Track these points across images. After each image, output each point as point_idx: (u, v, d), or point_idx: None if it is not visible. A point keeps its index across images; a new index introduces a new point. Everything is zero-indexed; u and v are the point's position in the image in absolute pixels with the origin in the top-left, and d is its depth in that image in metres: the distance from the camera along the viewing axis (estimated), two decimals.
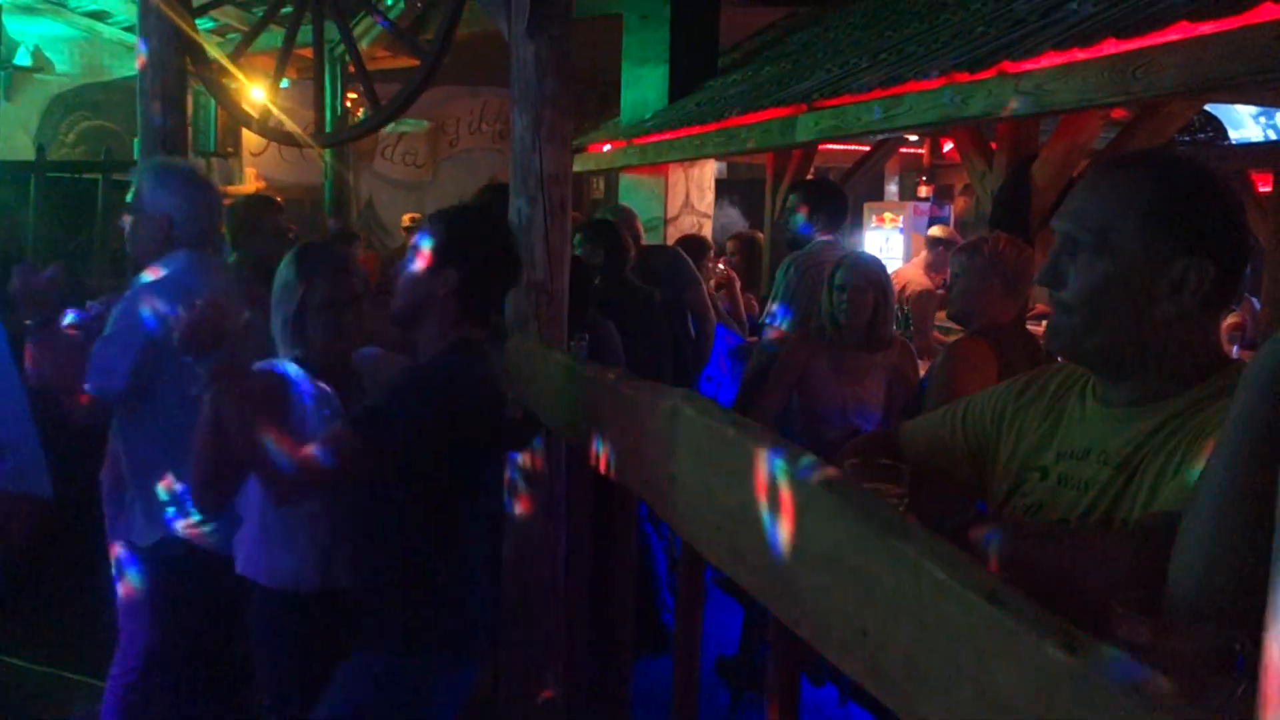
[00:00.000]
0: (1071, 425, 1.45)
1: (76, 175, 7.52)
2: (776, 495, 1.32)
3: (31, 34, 11.10)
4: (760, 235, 7.04)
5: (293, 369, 2.35)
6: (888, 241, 8.88)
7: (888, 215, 9.17)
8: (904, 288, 5.73)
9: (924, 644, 0.99)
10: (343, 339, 2.41)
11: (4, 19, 10.35)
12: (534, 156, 2.89)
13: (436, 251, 2.20)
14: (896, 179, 12.45)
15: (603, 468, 2.11)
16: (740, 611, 4.01)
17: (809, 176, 6.87)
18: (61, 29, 11.08)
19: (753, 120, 5.38)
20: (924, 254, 6.26)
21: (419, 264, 2.21)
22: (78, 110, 11.56)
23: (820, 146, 6.57)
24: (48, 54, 11.35)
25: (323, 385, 2.36)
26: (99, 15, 10.60)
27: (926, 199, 10.24)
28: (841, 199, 4.51)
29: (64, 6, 10.12)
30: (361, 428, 2.03)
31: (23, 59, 11.11)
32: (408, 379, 2.20)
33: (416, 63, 4.62)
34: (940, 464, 1.64)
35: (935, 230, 6.59)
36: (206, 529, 2.64)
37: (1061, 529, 1.35)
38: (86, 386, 2.61)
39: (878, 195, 11.53)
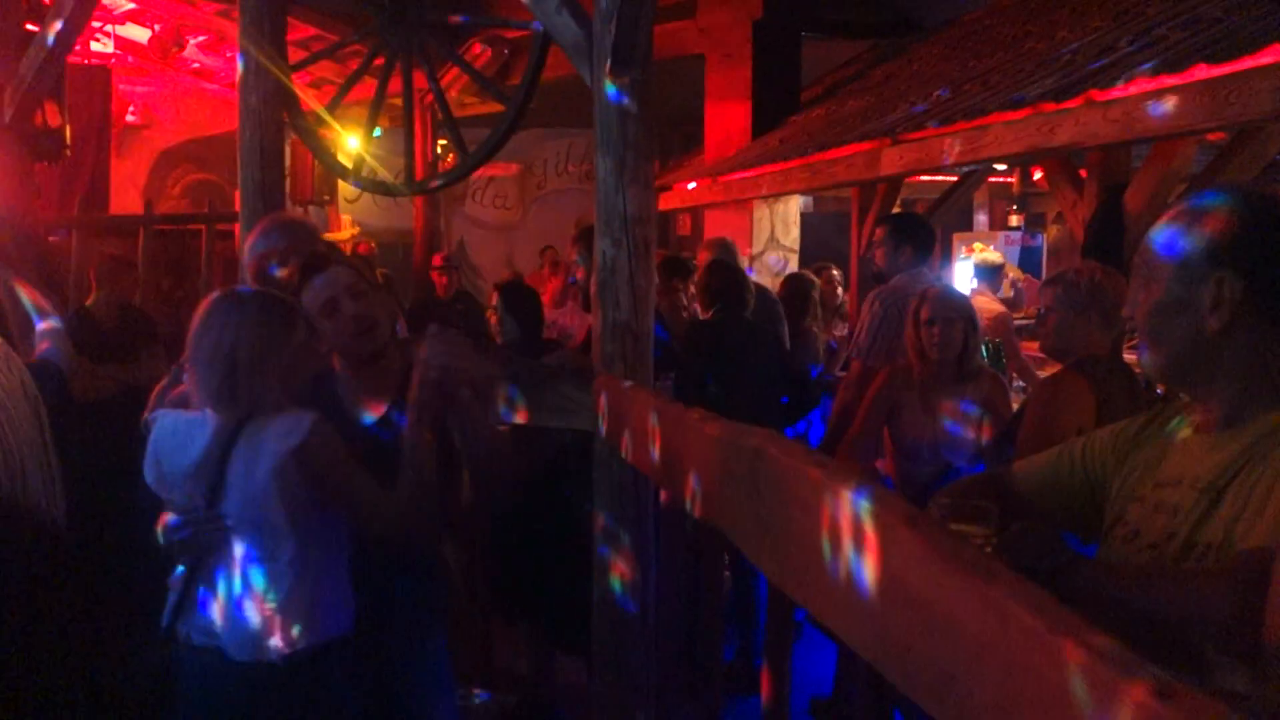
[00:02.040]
0: (1172, 454, 1.48)
1: (182, 227, 7.81)
2: (861, 536, 1.31)
3: (140, 94, 11.63)
4: (809, 274, 6.94)
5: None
6: (973, 271, 8.75)
7: (977, 245, 9.05)
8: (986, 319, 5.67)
9: (1012, 690, 0.97)
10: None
11: (116, 81, 10.85)
12: (618, 199, 2.92)
13: None
14: (986, 208, 12.27)
15: (692, 508, 2.11)
16: (834, 649, 3.96)
17: (895, 209, 6.82)
18: (168, 87, 11.60)
19: (836, 155, 5.37)
20: (980, 283, 6.31)
21: None
22: (182, 164, 12.03)
23: (907, 178, 6.53)
24: (155, 112, 11.87)
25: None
26: (202, 73, 11.06)
27: (1018, 228, 10.09)
28: (927, 232, 4.47)
29: (170, 66, 10.57)
30: None
31: (132, 117, 11.64)
32: None
33: (502, 109, 4.72)
34: (1054, 503, 1.64)
35: (989, 256, 6.63)
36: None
37: (1157, 570, 1.33)
38: None
39: (967, 226, 11.38)
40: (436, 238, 10.30)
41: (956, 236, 9.43)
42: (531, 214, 13.91)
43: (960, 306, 3.56)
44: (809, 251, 8.29)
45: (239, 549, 2.21)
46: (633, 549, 2.87)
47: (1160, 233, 1.40)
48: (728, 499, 1.86)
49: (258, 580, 2.22)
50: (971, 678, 1.05)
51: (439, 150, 10.01)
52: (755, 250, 7.91)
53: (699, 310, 4.66)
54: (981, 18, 6.87)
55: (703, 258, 5.42)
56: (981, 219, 12.24)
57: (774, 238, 7.97)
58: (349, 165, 5.84)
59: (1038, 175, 9.06)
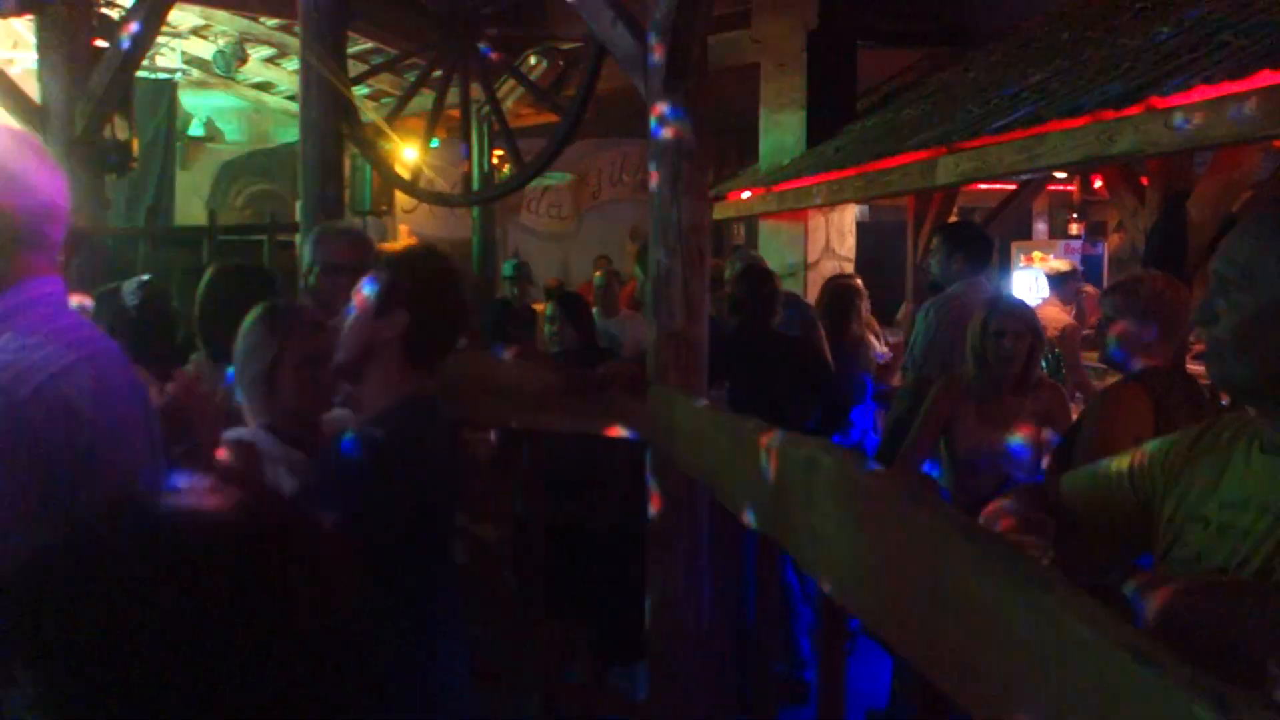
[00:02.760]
0: (1236, 474, 1.43)
1: (245, 237, 7.97)
2: (916, 546, 1.31)
3: (204, 106, 11.89)
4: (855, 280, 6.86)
5: (263, 437, 2.22)
6: (1037, 281, 8.63)
7: (1037, 254, 8.94)
8: (1045, 327, 5.57)
9: (1068, 701, 0.97)
10: (319, 399, 2.31)
11: (180, 94, 11.11)
12: (672, 209, 2.94)
13: (382, 294, 2.03)
14: (1045, 216, 12.11)
15: (744, 516, 2.12)
16: (889, 662, 3.93)
17: (952, 217, 6.77)
18: (231, 101, 11.84)
19: (892, 164, 5.35)
20: (1051, 293, 6.18)
21: (362, 308, 2.05)
22: (245, 176, 12.26)
23: (964, 187, 6.48)
24: (219, 124, 12.12)
25: (295, 452, 2.22)
26: (264, 86, 11.28)
27: (1078, 236, 9.95)
28: (984, 241, 4.43)
29: (233, 80, 10.79)
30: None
31: (196, 130, 11.89)
32: (363, 454, 1.93)
33: (557, 119, 4.77)
34: (1102, 516, 1.61)
35: (1057, 264, 6.48)
36: None
37: (1219, 584, 1.30)
38: None
39: (1025, 234, 11.24)
40: (492, 247, 10.40)
41: (1015, 245, 9.31)
42: (586, 224, 13.97)
43: (1028, 318, 3.52)
44: (865, 261, 8.24)
45: None
46: (686, 558, 2.88)
47: (1256, 245, 1.34)
48: (781, 508, 1.86)
49: None
50: (1027, 689, 1.04)
51: (495, 161, 10.11)
52: (811, 260, 7.89)
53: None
54: (1039, 25, 6.80)
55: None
56: (1041, 227, 12.08)
57: (829, 247, 7.94)
58: (407, 176, 5.93)
59: (1098, 183, 8.94)
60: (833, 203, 7.02)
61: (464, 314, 2.16)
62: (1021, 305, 3.64)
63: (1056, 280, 6.17)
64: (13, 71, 6.04)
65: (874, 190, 5.71)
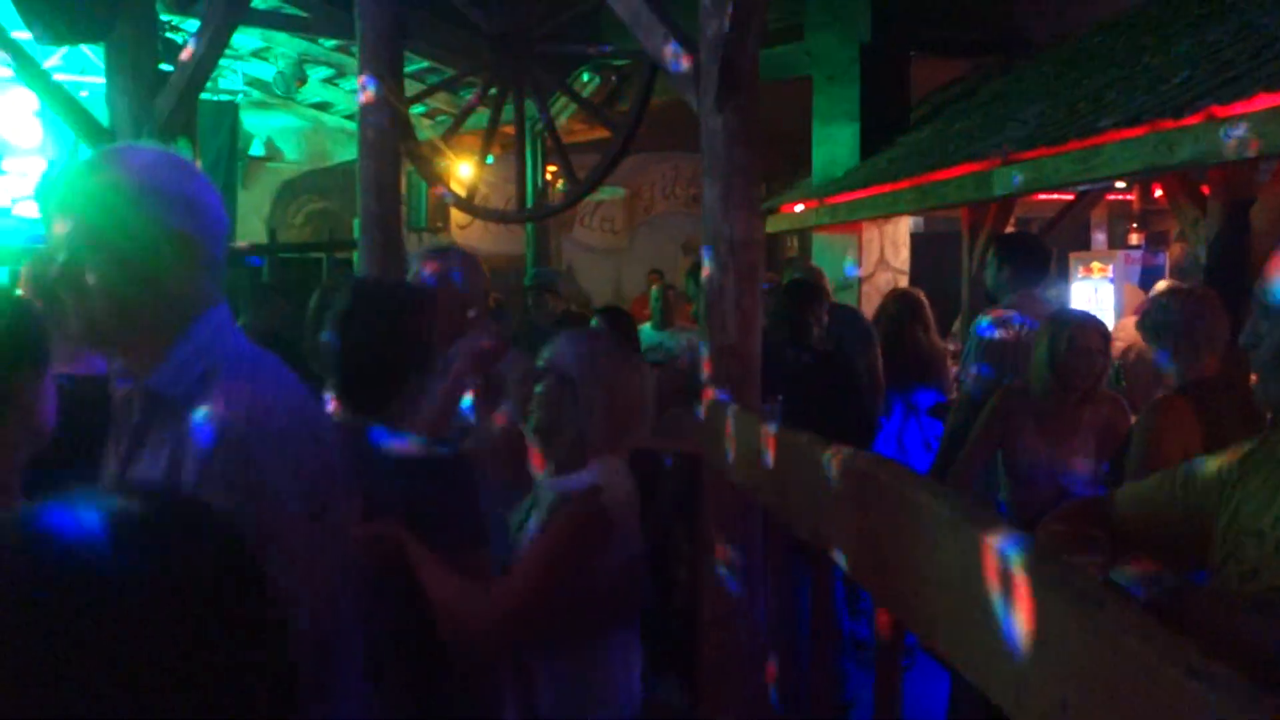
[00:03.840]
0: None
1: (304, 255, 8.11)
2: (969, 561, 1.31)
3: (264, 126, 12.14)
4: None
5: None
6: (1096, 293, 8.50)
7: (1096, 265, 8.80)
8: (1128, 349, 5.43)
9: (1123, 717, 0.96)
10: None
11: (242, 115, 11.34)
12: (724, 223, 2.95)
13: None
14: (1104, 227, 11.93)
15: (797, 530, 2.12)
16: (947, 679, 3.89)
17: (1009, 228, 6.70)
18: (290, 120, 12.07)
19: (945, 176, 5.32)
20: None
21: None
22: (304, 194, 12.47)
23: (1020, 197, 6.41)
24: (278, 144, 12.36)
25: None
26: (323, 106, 11.48)
27: (1138, 247, 9.79)
28: (1041, 253, 4.38)
29: (293, 100, 11.00)
30: None
31: (257, 149, 12.14)
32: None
33: (610, 134, 4.81)
34: (1156, 532, 1.59)
35: (1161, 285, 6.24)
36: None
37: (1274, 599, 1.28)
38: None
39: (1084, 245, 11.08)
40: (546, 263, 10.48)
41: (1073, 256, 9.17)
42: (638, 238, 14.02)
43: (1102, 332, 3.48)
44: (920, 273, 8.18)
45: None
46: (740, 571, 2.88)
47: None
48: (834, 522, 1.86)
49: None
50: (1083, 706, 1.04)
51: (549, 177, 10.19)
52: (865, 272, 7.85)
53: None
54: (1092, 32, 6.72)
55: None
56: (1100, 237, 11.90)
57: (883, 259, 7.90)
58: (462, 193, 6.00)
59: (1158, 192, 8.80)
60: (886, 215, 6.99)
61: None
62: (1092, 319, 3.59)
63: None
64: (82, 96, 6.22)
65: (928, 202, 5.67)
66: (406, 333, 2.13)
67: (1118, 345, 5.25)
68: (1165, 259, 8.67)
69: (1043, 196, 7.85)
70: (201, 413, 1.45)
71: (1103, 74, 5.13)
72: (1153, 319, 3.03)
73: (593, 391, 2.19)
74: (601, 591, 2.08)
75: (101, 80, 5.55)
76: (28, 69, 5.28)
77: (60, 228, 1.49)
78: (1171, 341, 2.96)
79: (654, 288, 7.27)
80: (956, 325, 7.34)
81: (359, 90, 4.40)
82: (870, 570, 1.70)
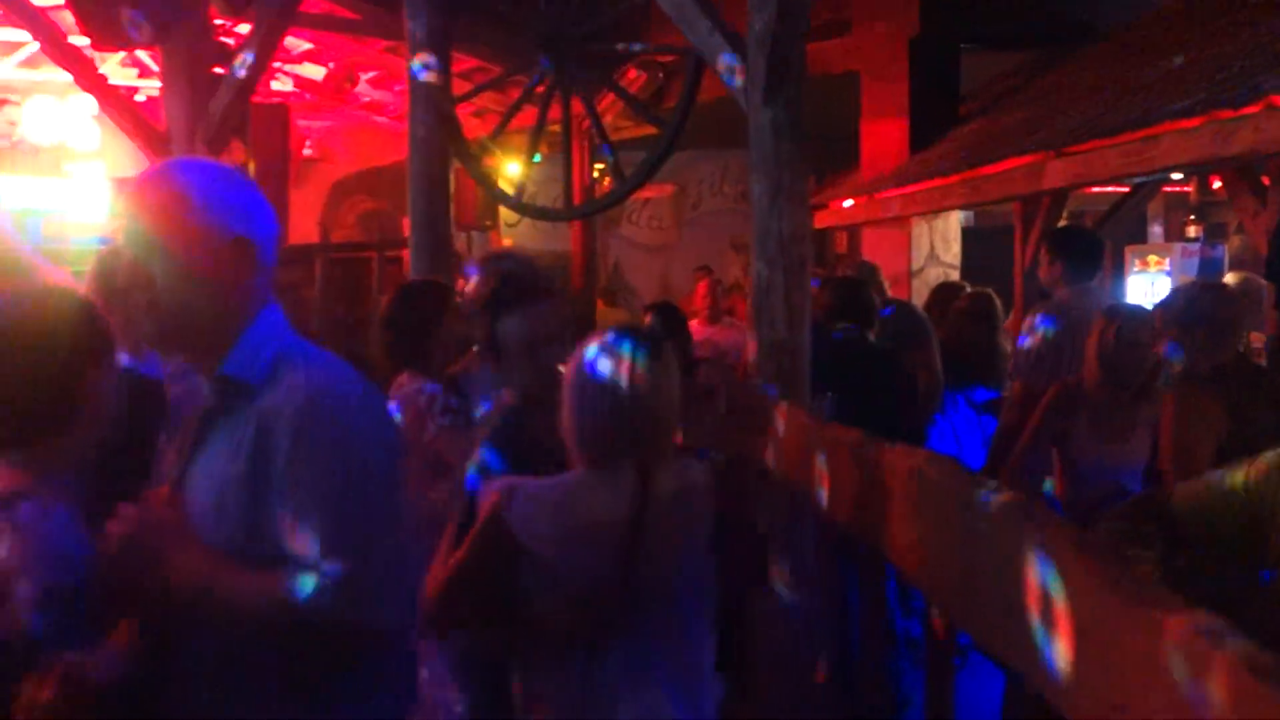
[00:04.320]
0: None
1: (355, 254, 8.18)
2: (1023, 560, 1.29)
3: (316, 128, 12.29)
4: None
5: None
6: (1153, 286, 8.36)
7: (1152, 258, 8.65)
8: None
9: (1182, 717, 0.95)
10: None
11: (294, 117, 11.49)
12: (772, 219, 2.94)
13: None
14: (1161, 219, 11.72)
15: (847, 527, 2.11)
16: (1001, 678, 3.84)
17: (1062, 222, 6.60)
18: (341, 122, 12.21)
19: (996, 170, 5.25)
20: None
21: None
22: (355, 194, 12.61)
23: (1073, 190, 6.32)
24: (329, 145, 12.51)
25: None
26: (373, 107, 11.59)
27: (1196, 239, 9.61)
28: (1094, 246, 4.31)
29: (344, 102, 11.12)
30: None
31: (308, 150, 12.30)
32: None
33: (658, 131, 4.80)
34: (1216, 529, 1.56)
35: (1229, 278, 6.08)
36: None
37: None
38: None
39: (1140, 237, 10.89)
40: (593, 260, 10.50)
41: (1129, 249, 9.02)
42: (686, 234, 13.99)
43: (1152, 326, 3.43)
44: (971, 267, 8.09)
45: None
46: (791, 568, 2.87)
47: None
48: (884, 520, 1.85)
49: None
50: (1140, 705, 1.02)
51: (596, 174, 10.21)
52: (915, 267, 7.78)
53: None
54: (1150, 23, 6.60)
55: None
56: (1156, 230, 11.69)
57: (934, 254, 7.82)
58: (510, 191, 6.02)
59: (1217, 183, 8.63)
60: (937, 210, 6.93)
61: None
62: (1146, 312, 3.53)
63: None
64: (138, 100, 6.33)
65: (979, 196, 5.61)
66: None
67: None
68: (1224, 251, 8.49)
69: (1097, 189, 7.73)
70: (286, 386, 1.59)
71: (1158, 64, 5.04)
72: (1174, 310, 3.04)
73: None
74: None
75: (157, 84, 5.66)
76: (86, 74, 5.39)
77: (127, 237, 1.62)
78: (1191, 331, 2.97)
79: (701, 283, 7.26)
80: (1009, 320, 7.25)
81: (409, 91, 4.44)
82: (920, 568, 1.68)
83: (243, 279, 1.63)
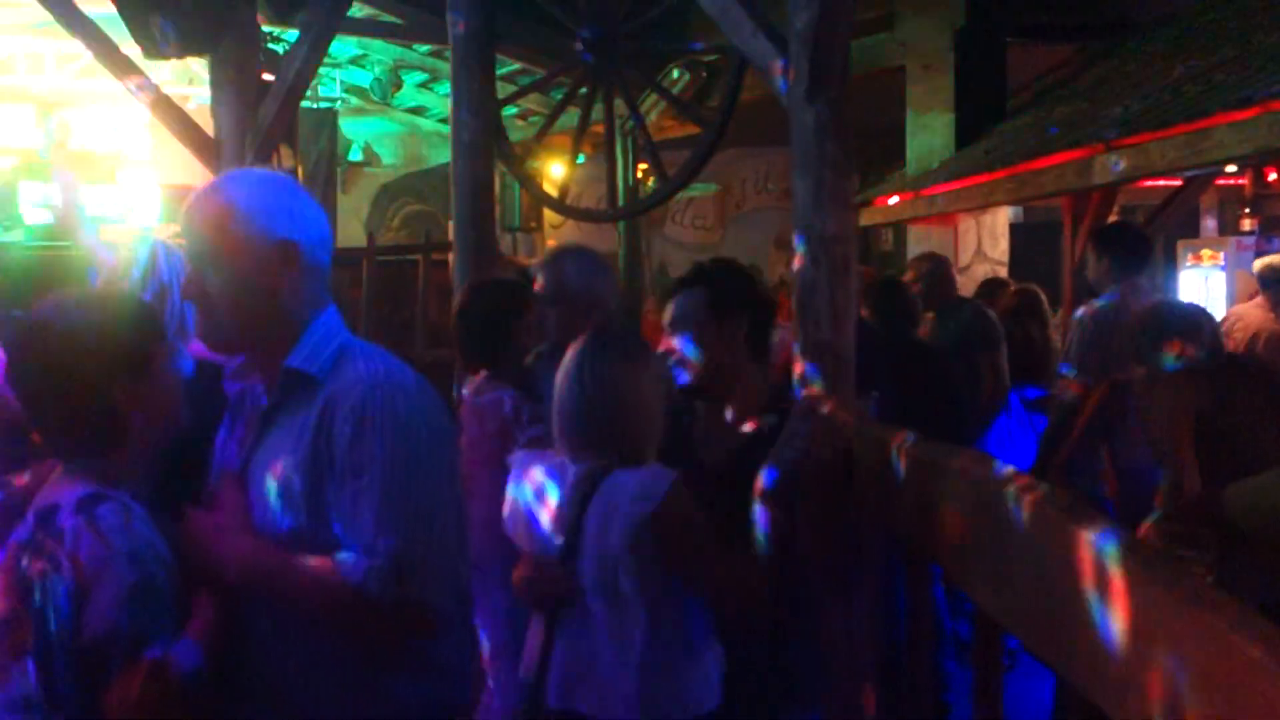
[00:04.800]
0: None
1: (401, 257, 8.26)
2: (1071, 561, 1.27)
3: (362, 132, 12.42)
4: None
5: None
6: (1207, 281, 8.21)
7: (1205, 253, 8.49)
8: (1255, 335, 5.19)
9: None
10: None
11: (340, 121, 11.62)
12: (816, 219, 2.92)
13: (714, 306, 2.26)
14: (1215, 213, 11.49)
15: (891, 527, 2.09)
16: (1051, 681, 3.79)
17: (1112, 217, 6.50)
18: (387, 126, 12.34)
19: (1044, 164, 5.19)
20: (1260, 295, 5.59)
21: (698, 328, 2.24)
22: (401, 197, 12.72)
23: (1124, 184, 6.22)
24: (376, 149, 12.63)
25: None
26: (418, 111, 11.70)
27: (1251, 233, 9.41)
28: (1142, 243, 4.24)
29: (389, 106, 11.23)
30: None
31: (355, 155, 12.42)
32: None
33: (701, 130, 4.80)
34: (1270, 529, 1.53)
35: (1274, 260, 5.84)
36: None
37: None
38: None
39: (1193, 232, 10.69)
40: (638, 260, 10.50)
41: (1181, 244, 8.86)
42: (731, 233, 13.94)
43: (1206, 324, 3.37)
44: (1019, 264, 8.00)
45: (593, 613, 2.09)
46: (834, 571, 2.85)
47: None
48: (929, 519, 1.83)
49: (610, 652, 2.08)
50: (1195, 711, 1.00)
51: (640, 175, 10.22)
52: (962, 264, 7.70)
53: None
54: (1200, 12, 6.48)
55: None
56: (1210, 224, 11.47)
57: (981, 250, 7.74)
58: (554, 193, 6.05)
59: (1273, 176, 8.45)
60: (984, 206, 6.85)
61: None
62: (1195, 310, 3.47)
63: (1272, 279, 5.46)
64: (188, 107, 6.43)
65: (1027, 192, 5.54)
66: None
67: (1238, 334, 5.05)
68: None
69: (1149, 182, 7.61)
70: (348, 377, 1.68)
71: (1211, 55, 4.95)
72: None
73: None
74: None
75: (207, 91, 5.74)
76: (137, 83, 5.48)
77: (186, 250, 1.77)
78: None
79: None
80: (1059, 317, 7.16)
81: (452, 94, 4.47)
82: (965, 569, 1.67)
83: (290, 280, 1.71)
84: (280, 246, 1.70)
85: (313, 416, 1.67)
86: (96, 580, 1.59)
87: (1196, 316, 3.08)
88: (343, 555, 1.61)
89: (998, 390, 4.86)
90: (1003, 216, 7.81)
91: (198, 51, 5.31)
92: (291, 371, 1.71)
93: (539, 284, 3.05)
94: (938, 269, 5.26)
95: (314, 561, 1.63)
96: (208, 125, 5.49)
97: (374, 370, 1.69)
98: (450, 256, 5.46)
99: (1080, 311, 4.19)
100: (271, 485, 1.68)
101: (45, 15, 5.29)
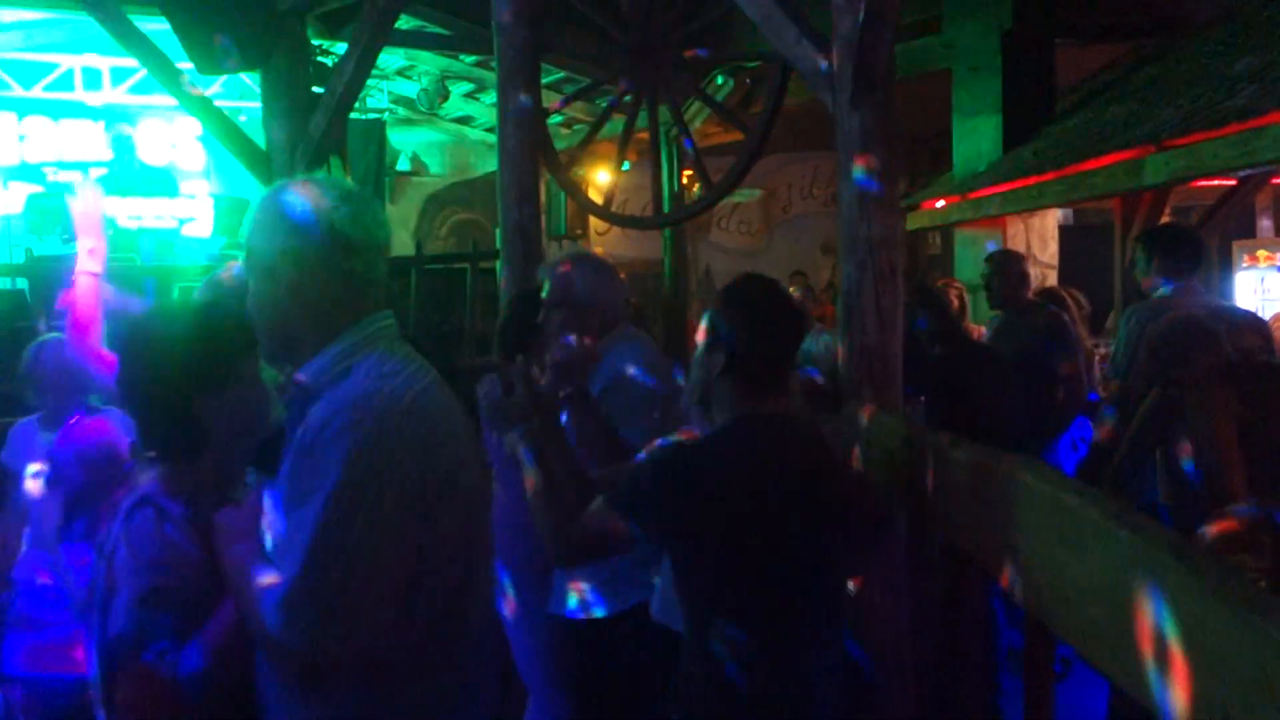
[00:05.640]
0: None
1: (449, 266, 8.32)
2: (1123, 568, 1.26)
3: (410, 143, 12.55)
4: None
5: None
6: (1263, 282, 8.06)
7: (1261, 253, 8.33)
8: None
9: None
10: None
11: (388, 132, 11.75)
12: (862, 223, 2.91)
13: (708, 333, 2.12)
14: (1270, 212, 11.26)
15: (940, 532, 2.08)
16: (1105, 689, 3.74)
17: (1164, 218, 6.41)
18: (434, 136, 12.45)
19: (1094, 165, 5.12)
20: None
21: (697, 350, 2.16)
22: (448, 206, 12.83)
23: (1176, 185, 6.12)
24: (423, 158, 12.75)
25: None
26: (464, 120, 11.80)
27: None
28: (1193, 245, 4.17)
29: (436, 116, 11.34)
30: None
31: (403, 165, 12.55)
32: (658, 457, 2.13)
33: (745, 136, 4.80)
34: None
35: None
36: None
37: None
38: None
39: (1248, 232, 10.50)
40: (684, 266, 10.51)
41: (1237, 244, 8.70)
42: (776, 239, 13.93)
43: (1256, 330, 3.31)
44: (1069, 267, 7.89)
45: None
46: (882, 576, 2.83)
47: None
48: (977, 524, 1.82)
49: None
50: (1246, 716, 0.99)
51: (684, 182, 10.23)
52: None
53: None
54: (1253, 9, 6.36)
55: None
56: (1266, 224, 11.24)
57: (1030, 253, 7.65)
58: (599, 201, 6.07)
59: None
60: (1032, 208, 6.77)
61: (794, 329, 2.14)
62: (1244, 314, 3.42)
63: None
64: (240, 121, 6.55)
65: (1076, 194, 5.47)
66: None
67: None
68: None
69: (1202, 183, 7.48)
70: (336, 391, 1.62)
71: (1269, 51, 4.86)
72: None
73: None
74: None
75: (258, 104, 5.83)
76: (191, 98, 5.59)
77: (243, 260, 1.75)
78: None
79: (793, 289, 7.20)
80: (1110, 321, 7.06)
81: (498, 104, 4.51)
82: (1018, 576, 1.65)
83: (328, 290, 1.67)
84: (316, 257, 1.67)
85: (299, 430, 1.63)
86: (121, 584, 1.68)
87: (1212, 326, 3.04)
88: (273, 582, 1.57)
89: (1072, 400, 4.80)
90: (1052, 219, 7.70)
91: (251, 66, 5.41)
92: (296, 384, 1.70)
93: (546, 288, 3.12)
94: (1004, 267, 5.02)
95: (265, 579, 1.59)
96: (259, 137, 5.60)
97: (360, 386, 1.61)
98: (497, 264, 5.50)
99: (1128, 313, 4.13)
100: (272, 495, 1.69)
101: (102, 31, 5.42)
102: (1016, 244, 7.55)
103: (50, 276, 6.34)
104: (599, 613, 2.78)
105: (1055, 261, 7.70)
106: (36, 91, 10.39)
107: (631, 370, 2.87)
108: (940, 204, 7.73)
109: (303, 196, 1.70)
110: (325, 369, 1.66)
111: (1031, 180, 5.96)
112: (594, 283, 3.00)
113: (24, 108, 10.35)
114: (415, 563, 1.60)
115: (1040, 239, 7.63)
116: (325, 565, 1.51)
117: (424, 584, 1.62)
